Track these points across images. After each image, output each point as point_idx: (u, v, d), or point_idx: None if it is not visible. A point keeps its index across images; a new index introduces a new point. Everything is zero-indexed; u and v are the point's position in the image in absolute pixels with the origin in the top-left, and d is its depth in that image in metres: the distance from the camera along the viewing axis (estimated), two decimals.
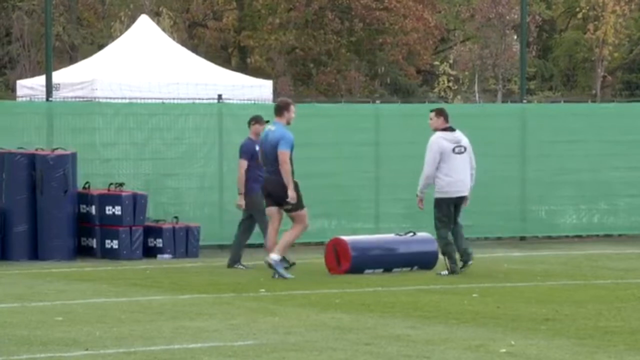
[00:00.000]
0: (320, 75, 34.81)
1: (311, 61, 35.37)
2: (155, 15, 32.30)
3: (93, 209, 16.47)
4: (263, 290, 12.68)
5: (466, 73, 36.37)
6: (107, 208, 16.36)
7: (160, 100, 18.72)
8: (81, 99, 20.33)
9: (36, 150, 16.57)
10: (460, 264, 14.22)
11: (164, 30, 27.20)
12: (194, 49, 29.81)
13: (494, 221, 19.02)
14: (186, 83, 21.74)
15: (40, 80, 21.51)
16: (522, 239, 19.31)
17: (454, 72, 36.32)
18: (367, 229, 18.56)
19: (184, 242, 16.64)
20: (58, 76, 21.56)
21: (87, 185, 16.77)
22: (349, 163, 18.51)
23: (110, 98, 19.62)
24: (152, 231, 16.60)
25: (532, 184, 19.25)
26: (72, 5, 36.03)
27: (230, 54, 37.98)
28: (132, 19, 28.60)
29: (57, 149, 16.59)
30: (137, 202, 16.42)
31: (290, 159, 14.04)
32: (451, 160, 13.99)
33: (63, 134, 17.06)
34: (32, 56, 34.70)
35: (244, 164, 14.91)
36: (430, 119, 14.50)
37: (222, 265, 15.51)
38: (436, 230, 14.33)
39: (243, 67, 34.05)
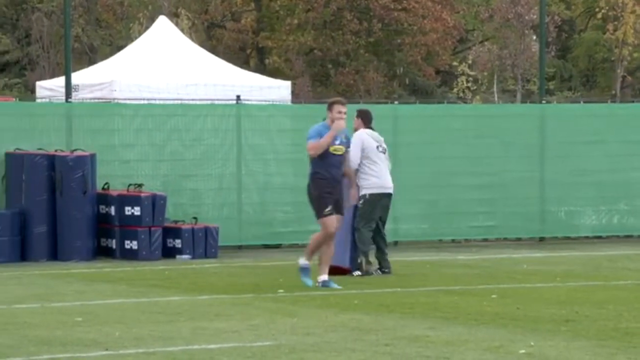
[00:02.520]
0: (338, 76, 34.80)
1: (329, 62, 35.37)
2: (174, 17, 32.38)
3: (112, 210, 16.52)
4: (282, 291, 12.68)
5: (485, 73, 36.32)
6: (126, 209, 16.39)
7: (179, 101, 18.75)
8: (100, 100, 20.40)
9: (56, 151, 16.62)
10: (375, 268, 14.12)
11: (182, 31, 27.26)
12: (213, 50, 29.85)
13: (514, 222, 18.97)
14: (205, 84, 21.78)
15: (60, 81, 21.58)
16: (542, 239, 19.26)
17: (472, 73, 36.26)
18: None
19: (203, 243, 16.66)
20: (77, 77, 21.62)
21: (106, 186, 16.81)
22: None
23: (129, 99, 19.68)
24: (171, 232, 16.62)
25: (551, 185, 19.20)
26: (91, 6, 36.15)
27: (248, 55, 38.02)
28: (151, 20, 28.66)
29: (76, 150, 16.63)
30: (156, 203, 16.46)
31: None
32: (378, 158, 14.01)
33: (82, 135, 17.10)
34: (52, 57, 34.84)
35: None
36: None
37: (241, 266, 15.53)
38: (359, 229, 14.00)
39: (261, 68, 34.08)
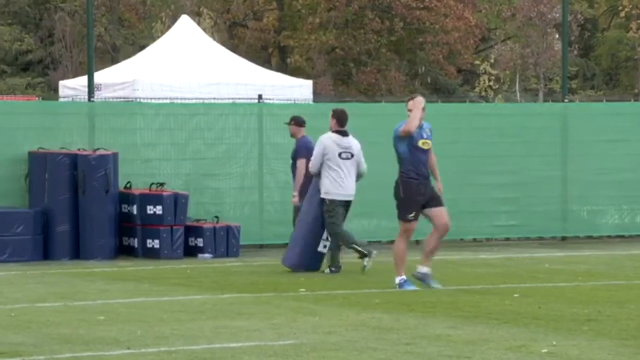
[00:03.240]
0: (360, 75, 34.79)
1: (351, 61, 35.35)
2: (196, 16, 32.46)
3: (134, 209, 16.56)
4: (303, 290, 12.69)
5: (507, 72, 36.22)
6: (148, 208, 16.44)
7: (201, 101, 18.79)
8: (122, 99, 20.46)
9: (78, 150, 16.69)
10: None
11: (204, 30, 27.33)
12: (234, 49, 29.90)
13: (535, 221, 18.93)
14: (226, 83, 21.83)
15: (82, 80, 21.67)
16: (564, 239, 19.20)
17: (494, 72, 36.18)
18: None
19: (225, 242, 16.69)
20: (100, 77, 21.72)
21: (128, 185, 16.86)
22: (388, 163, 18.45)
23: (151, 98, 19.73)
24: (192, 231, 16.66)
25: (573, 184, 19.13)
26: (113, 5, 36.26)
27: (270, 54, 38.05)
28: (173, 20, 28.75)
29: (98, 149, 16.69)
30: (178, 202, 16.50)
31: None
32: (338, 164, 14.04)
33: (104, 134, 17.16)
34: (74, 57, 34.98)
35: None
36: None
37: (263, 265, 15.55)
38: (333, 232, 14.17)
39: (283, 67, 34.12)
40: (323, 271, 14.33)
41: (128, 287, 13.14)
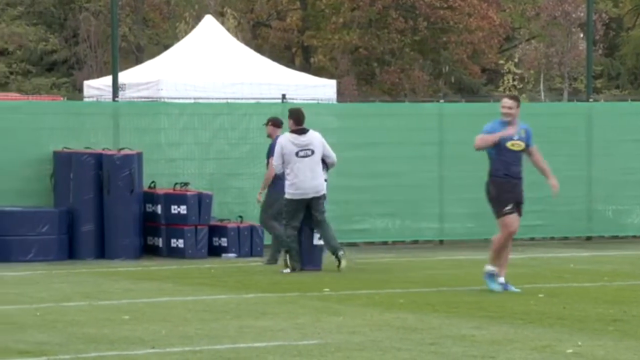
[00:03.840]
0: (383, 75, 34.75)
1: (375, 60, 35.33)
2: (220, 16, 32.51)
3: (159, 209, 16.60)
4: (327, 289, 12.69)
5: (531, 72, 36.11)
6: (172, 207, 16.47)
7: (225, 100, 18.81)
8: (147, 99, 20.51)
9: (103, 150, 16.74)
10: (335, 261, 14.34)
11: (228, 30, 27.35)
12: (258, 49, 29.92)
13: (560, 221, 18.85)
14: (250, 83, 21.84)
15: (107, 80, 21.74)
16: (589, 239, 19.11)
17: (519, 71, 36.06)
18: (431, 229, 18.51)
19: (249, 242, 16.70)
20: (124, 76, 21.78)
21: (152, 185, 16.90)
22: (412, 162, 18.47)
23: (175, 98, 19.77)
24: (216, 230, 16.69)
25: (598, 184, 19.05)
26: (138, 6, 36.36)
27: (294, 53, 38.06)
28: (197, 20, 28.81)
29: (123, 149, 16.74)
30: (202, 202, 16.53)
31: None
32: (294, 163, 14.19)
33: (129, 134, 17.21)
34: (99, 57, 35.10)
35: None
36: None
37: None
38: (285, 226, 14.38)
39: (307, 67, 34.11)
40: (281, 271, 14.37)
41: (152, 287, 13.17)
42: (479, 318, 10.46)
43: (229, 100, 18.87)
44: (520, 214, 12.64)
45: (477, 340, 9.33)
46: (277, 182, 14.73)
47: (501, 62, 36.76)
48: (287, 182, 14.31)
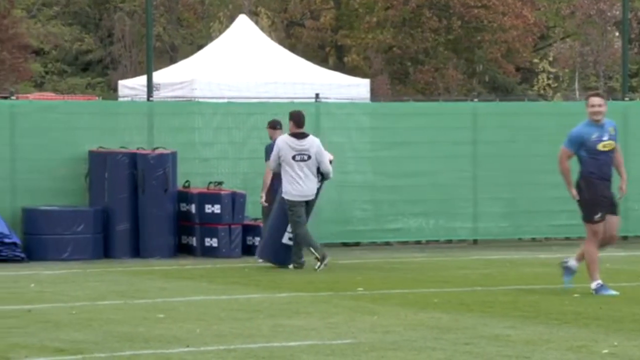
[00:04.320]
0: (417, 74, 34.67)
1: (408, 59, 35.25)
2: (254, 15, 32.56)
3: (193, 208, 16.66)
4: (361, 289, 12.68)
5: (566, 70, 35.92)
6: (206, 206, 16.52)
7: (258, 100, 18.84)
8: (181, 99, 20.58)
9: (137, 149, 16.82)
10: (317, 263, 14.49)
11: (262, 29, 27.39)
12: (292, 49, 29.94)
13: None
14: (284, 82, 21.86)
15: (141, 80, 21.84)
16: (625, 238, 18.99)
17: (553, 70, 35.90)
18: (465, 229, 18.46)
19: None
20: (158, 76, 21.86)
21: (187, 184, 16.96)
22: (446, 162, 18.43)
23: (209, 98, 19.83)
24: (250, 229, 16.71)
25: (634, 183, 18.88)
26: (172, 5, 36.50)
27: (327, 53, 38.05)
28: (231, 19, 28.87)
29: (157, 148, 16.81)
30: (236, 201, 16.56)
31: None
32: (290, 166, 14.48)
33: (163, 134, 17.28)
34: (133, 56, 35.27)
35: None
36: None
37: None
38: (294, 230, 14.61)
39: (340, 66, 34.09)
40: (288, 266, 14.60)
41: (187, 286, 13.22)
42: (513, 318, 10.42)
43: (263, 100, 18.90)
44: (618, 214, 12.17)
45: (511, 340, 9.30)
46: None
47: (536, 60, 36.60)
48: (285, 184, 14.53)
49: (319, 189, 14.75)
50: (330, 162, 14.84)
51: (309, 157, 14.52)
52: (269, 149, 15.18)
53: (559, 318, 10.38)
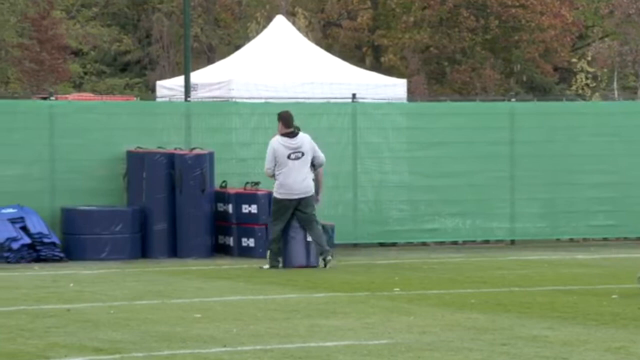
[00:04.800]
0: (454, 74, 34.58)
1: (445, 59, 35.16)
2: (291, 16, 32.59)
3: (230, 208, 16.71)
4: (397, 289, 12.67)
5: (605, 70, 35.69)
6: (243, 207, 16.57)
7: (295, 100, 18.87)
8: (218, 99, 20.64)
9: (175, 149, 16.89)
10: (321, 262, 14.78)
11: (299, 30, 27.41)
12: (329, 49, 29.94)
13: (634, 221, 18.62)
14: (320, 83, 21.86)
15: (179, 80, 21.93)
16: None
17: (592, 69, 35.67)
18: (502, 229, 18.40)
19: None
20: (196, 77, 21.94)
21: (224, 184, 17.01)
22: (483, 162, 18.37)
23: (246, 98, 19.87)
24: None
25: None
26: (210, 6, 36.61)
27: (364, 53, 38.03)
28: (268, 20, 28.90)
29: (195, 148, 16.87)
30: (272, 201, 16.56)
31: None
32: (286, 165, 14.74)
33: (201, 134, 17.34)
34: (171, 57, 35.41)
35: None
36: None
37: (357, 264, 15.57)
38: (270, 227, 15.03)
39: (377, 66, 34.05)
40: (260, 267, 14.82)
41: (224, 285, 13.26)
42: (551, 319, 10.38)
43: (299, 100, 18.92)
44: None
45: (549, 341, 9.26)
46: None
47: (574, 60, 36.38)
48: (276, 183, 14.84)
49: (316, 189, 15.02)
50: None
51: (303, 154, 14.85)
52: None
53: (597, 319, 10.32)
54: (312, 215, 14.84)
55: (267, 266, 14.83)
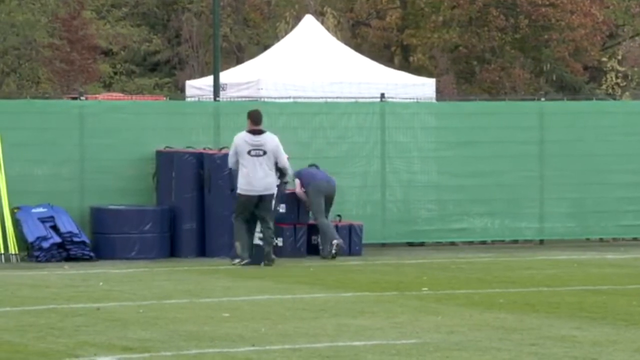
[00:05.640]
0: (483, 73, 34.47)
1: (475, 59, 35.05)
2: (320, 15, 32.58)
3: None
4: (425, 289, 12.66)
5: (635, 69, 35.47)
6: None
7: (324, 100, 18.88)
8: (247, 99, 20.68)
9: (204, 149, 16.94)
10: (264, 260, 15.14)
11: (327, 29, 27.41)
12: (357, 48, 29.91)
13: None
14: (349, 82, 21.86)
15: (208, 80, 21.97)
16: None
17: (622, 69, 35.47)
18: (531, 229, 18.34)
19: (347, 240, 16.73)
20: (225, 76, 21.98)
21: None
22: (512, 161, 18.32)
23: (275, 98, 19.89)
24: (315, 229, 16.74)
25: None
26: (239, 6, 36.68)
27: (393, 52, 37.98)
28: (297, 19, 28.93)
29: (224, 148, 16.91)
30: (301, 201, 16.59)
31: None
32: (246, 161, 15.15)
33: (230, 133, 17.34)
34: (200, 57, 35.49)
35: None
36: None
37: (385, 264, 15.57)
38: (234, 220, 15.35)
39: (406, 66, 33.99)
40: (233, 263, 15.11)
41: (252, 285, 13.29)
42: (580, 319, 10.34)
43: (328, 100, 18.93)
44: None
45: (578, 341, 9.23)
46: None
47: (604, 59, 36.20)
48: (238, 178, 15.21)
49: (279, 187, 15.38)
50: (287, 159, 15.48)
51: (265, 153, 15.18)
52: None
53: (627, 319, 10.27)
54: (268, 214, 15.22)
55: (237, 261, 15.12)
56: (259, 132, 15.32)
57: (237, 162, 15.25)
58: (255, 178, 15.12)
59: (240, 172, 15.21)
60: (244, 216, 15.21)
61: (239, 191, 15.24)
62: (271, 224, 15.24)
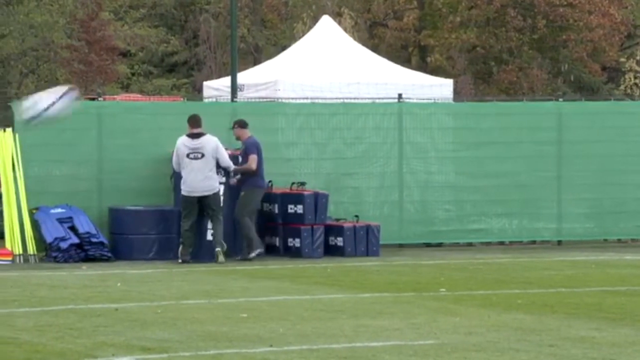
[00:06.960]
0: (501, 74, 34.42)
1: (492, 59, 35.01)
2: (337, 16, 32.60)
3: (276, 208, 16.76)
4: (443, 289, 12.65)
5: None
6: (289, 207, 16.61)
7: (341, 100, 18.89)
8: (264, 100, 20.71)
9: None
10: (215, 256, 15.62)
11: (345, 30, 27.42)
12: (375, 49, 29.92)
13: None
14: (366, 83, 21.86)
15: (226, 81, 22.01)
16: None
17: None
18: (549, 229, 18.30)
19: (365, 241, 16.73)
20: (242, 77, 22.01)
21: (270, 184, 17.06)
22: (530, 162, 18.30)
23: (292, 98, 19.91)
24: (333, 230, 16.76)
25: None
26: (256, 7, 36.73)
27: (410, 53, 37.97)
28: (314, 20, 28.94)
29: (238, 149, 16.90)
30: (318, 201, 16.62)
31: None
32: (185, 164, 15.76)
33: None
34: (218, 58, 35.54)
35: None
36: None
37: (402, 264, 15.56)
38: (182, 220, 15.82)
39: (423, 66, 34.00)
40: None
41: (270, 285, 13.31)
42: (598, 320, 10.32)
43: (345, 100, 18.93)
44: None
45: (597, 342, 9.21)
46: (254, 180, 15.97)
47: (622, 59, 36.09)
48: (181, 180, 15.56)
49: (226, 184, 15.79)
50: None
51: (203, 155, 15.62)
52: (251, 146, 16.08)
53: None
54: (216, 212, 15.64)
55: (180, 260, 15.55)
56: (197, 136, 15.79)
57: (179, 165, 15.79)
58: (195, 180, 15.66)
59: (183, 174, 15.73)
60: (190, 217, 15.66)
61: (182, 192, 15.77)
62: (220, 217, 15.71)
